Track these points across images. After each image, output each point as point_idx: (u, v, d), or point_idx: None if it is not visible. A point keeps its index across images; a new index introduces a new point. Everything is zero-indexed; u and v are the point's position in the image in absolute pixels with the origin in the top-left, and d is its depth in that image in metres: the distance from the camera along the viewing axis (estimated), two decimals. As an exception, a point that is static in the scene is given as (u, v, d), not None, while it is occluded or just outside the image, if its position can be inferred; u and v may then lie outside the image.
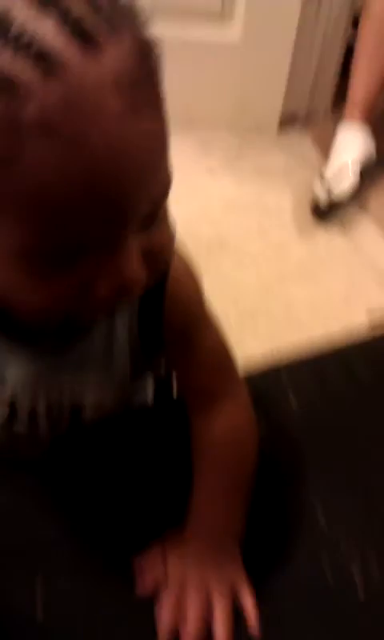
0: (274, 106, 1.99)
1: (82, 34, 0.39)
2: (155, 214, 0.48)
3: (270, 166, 1.91)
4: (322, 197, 1.70)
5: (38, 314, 0.50)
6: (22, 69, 0.37)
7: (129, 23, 0.43)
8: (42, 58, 0.38)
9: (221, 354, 0.75)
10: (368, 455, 0.76)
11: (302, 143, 2.01)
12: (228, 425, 0.73)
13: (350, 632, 0.65)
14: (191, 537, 0.73)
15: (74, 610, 0.67)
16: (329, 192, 1.70)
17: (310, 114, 2.07)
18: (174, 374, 0.82)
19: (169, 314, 0.66)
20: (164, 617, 0.69)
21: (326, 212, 1.71)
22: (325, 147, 1.92)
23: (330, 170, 1.75)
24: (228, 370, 0.76)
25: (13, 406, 0.69)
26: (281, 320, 1.35)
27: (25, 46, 0.37)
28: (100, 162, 0.40)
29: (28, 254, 0.44)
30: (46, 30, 0.38)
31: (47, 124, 0.38)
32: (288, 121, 2.05)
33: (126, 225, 0.45)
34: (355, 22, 2.05)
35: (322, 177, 1.75)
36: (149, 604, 0.68)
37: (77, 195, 0.41)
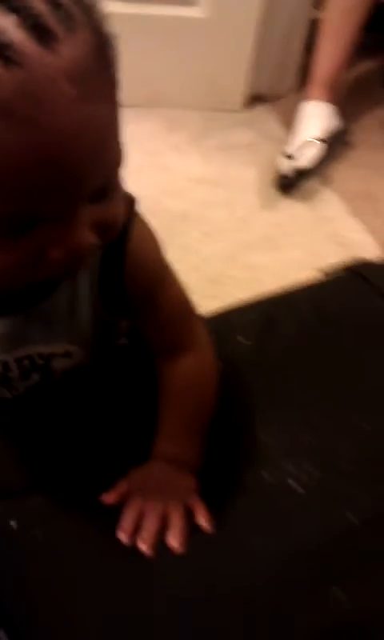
0: (240, 83, 2.02)
1: (40, 29, 0.44)
2: (107, 189, 0.54)
3: (235, 142, 1.94)
4: (286, 170, 1.74)
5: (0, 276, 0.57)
6: None
7: (87, 18, 0.48)
8: (3, 50, 0.43)
9: (183, 309, 0.80)
10: (309, 388, 0.79)
11: (267, 120, 2.03)
12: (190, 371, 0.79)
13: (291, 522, 0.69)
14: (152, 463, 0.77)
15: (51, 558, 0.69)
16: (292, 166, 1.73)
17: (275, 92, 2.10)
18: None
19: (130, 273, 0.72)
20: (125, 524, 0.72)
21: (289, 185, 1.74)
22: (289, 124, 1.95)
23: (294, 145, 1.78)
24: (191, 323, 0.81)
25: None
26: (243, 285, 1.38)
27: None
28: (52, 143, 0.46)
29: None
30: (8, 26, 0.44)
31: (5, 107, 0.44)
32: (253, 98, 2.08)
33: (77, 197, 0.51)
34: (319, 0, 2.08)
35: (286, 151, 1.78)
36: (127, 552, 0.70)
37: (32, 171, 0.47)
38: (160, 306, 0.77)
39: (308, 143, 1.76)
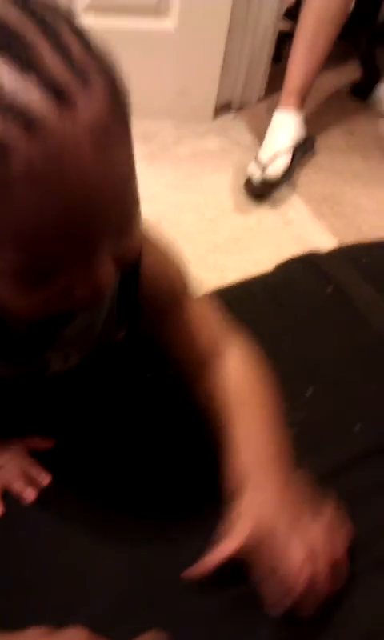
0: (210, 93, 2.10)
1: (57, 92, 0.45)
2: (124, 231, 0.56)
3: (206, 149, 2.03)
4: (256, 176, 1.82)
5: (27, 315, 0.60)
6: (5, 129, 0.44)
7: (98, 66, 0.50)
8: (24, 118, 0.44)
9: (208, 317, 0.81)
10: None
11: (237, 127, 2.12)
12: (243, 370, 0.77)
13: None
14: (256, 488, 0.67)
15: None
16: (263, 172, 1.82)
17: (244, 100, 2.19)
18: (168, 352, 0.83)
19: (148, 293, 0.74)
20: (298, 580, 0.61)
21: (258, 190, 1.83)
22: (258, 131, 2.04)
23: (265, 153, 1.87)
24: (220, 327, 0.81)
25: None
26: (211, 285, 1.46)
27: (7, 108, 0.44)
28: (76, 200, 0.48)
29: (18, 273, 0.53)
30: (25, 87, 0.44)
31: (31, 174, 0.45)
32: (223, 107, 2.16)
33: (97, 245, 0.53)
34: (287, 12, 2.17)
35: (257, 158, 1.86)
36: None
37: (57, 228, 0.49)
38: (184, 319, 0.78)
39: (279, 153, 1.84)
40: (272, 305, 0.96)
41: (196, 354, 0.78)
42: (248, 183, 1.83)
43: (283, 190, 1.86)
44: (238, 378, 0.77)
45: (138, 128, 1.87)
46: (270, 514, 0.64)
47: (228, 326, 0.81)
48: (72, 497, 0.76)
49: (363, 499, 0.75)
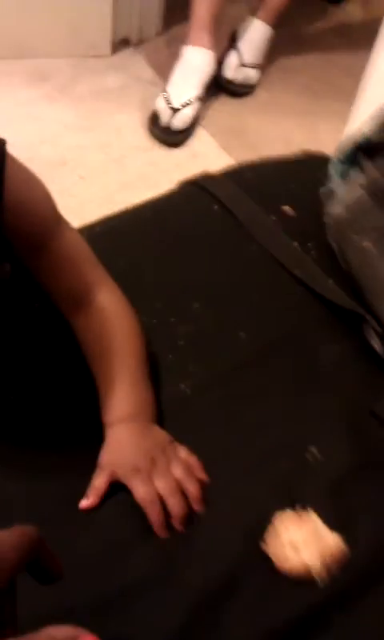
0: (105, 29, 2.03)
1: None
2: None
3: (106, 87, 1.97)
4: (164, 113, 1.78)
5: None
6: None
7: None
8: None
9: (83, 252, 0.78)
10: (153, 280, 0.87)
11: (136, 63, 2.06)
12: (111, 315, 0.77)
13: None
14: (116, 432, 0.73)
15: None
16: (171, 108, 1.77)
17: (142, 35, 2.12)
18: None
19: (13, 220, 0.69)
20: (155, 518, 0.67)
21: (166, 127, 1.79)
22: (158, 65, 1.99)
23: (174, 88, 1.82)
24: (94, 266, 0.79)
25: None
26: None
27: None
28: None
29: None
30: None
31: None
32: (121, 43, 2.09)
33: None
34: None
35: (165, 94, 1.82)
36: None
37: None
38: (56, 249, 0.74)
39: (188, 86, 1.81)
40: (159, 227, 0.96)
41: (67, 292, 0.77)
42: (156, 121, 1.79)
43: (192, 127, 1.83)
44: (106, 325, 0.77)
45: (34, 68, 1.83)
46: (122, 462, 0.70)
47: (97, 264, 0.79)
48: None
49: (247, 403, 0.78)
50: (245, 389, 0.79)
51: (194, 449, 0.73)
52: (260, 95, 1.98)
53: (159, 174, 1.68)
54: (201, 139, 1.80)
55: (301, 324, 0.86)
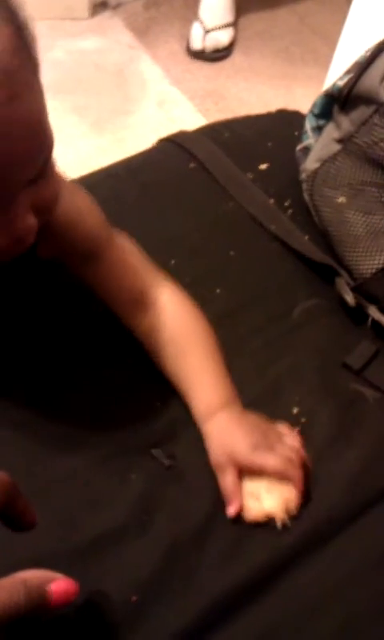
0: (82, -9, 2.00)
1: None
2: (41, 174, 0.53)
3: (84, 50, 1.94)
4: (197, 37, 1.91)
5: None
6: None
7: (1, 12, 0.47)
8: None
9: (135, 255, 0.78)
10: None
11: (115, 26, 2.03)
12: (179, 310, 0.77)
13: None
14: (214, 420, 0.72)
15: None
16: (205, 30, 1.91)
17: (120, -2, 2.09)
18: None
19: (64, 232, 0.70)
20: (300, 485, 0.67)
21: (201, 50, 1.92)
22: (137, 29, 1.97)
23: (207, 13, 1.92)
24: (147, 266, 0.79)
25: None
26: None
27: None
28: None
29: None
30: None
31: None
32: (99, 5, 2.06)
33: (14, 187, 0.51)
34: None
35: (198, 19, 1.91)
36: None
37: None
38: (110, 256, 0.75)
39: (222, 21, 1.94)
40: (135, 184, 0.95)
41: (127, 295, 0.77)
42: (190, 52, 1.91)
43: (166, 88, 1.81)
44: (179, 324, 0.76)
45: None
46: (238, 448, 0.68)
47: (153, 266, 0.79)
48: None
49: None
50: (220, 343, 0.79)
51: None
52: (237, 59, 1.96)
53: (136, 138, 1.67)
54: (178, 103, 1.78)
55: (276, 279, 0.87)
